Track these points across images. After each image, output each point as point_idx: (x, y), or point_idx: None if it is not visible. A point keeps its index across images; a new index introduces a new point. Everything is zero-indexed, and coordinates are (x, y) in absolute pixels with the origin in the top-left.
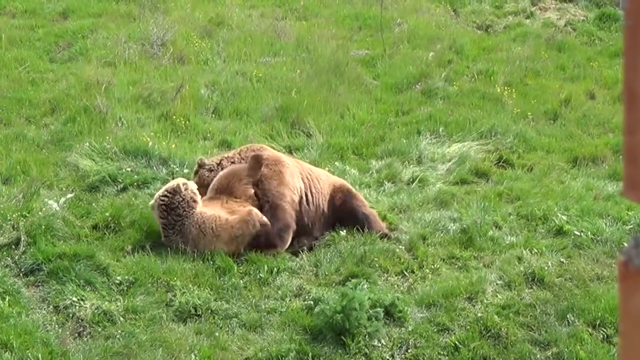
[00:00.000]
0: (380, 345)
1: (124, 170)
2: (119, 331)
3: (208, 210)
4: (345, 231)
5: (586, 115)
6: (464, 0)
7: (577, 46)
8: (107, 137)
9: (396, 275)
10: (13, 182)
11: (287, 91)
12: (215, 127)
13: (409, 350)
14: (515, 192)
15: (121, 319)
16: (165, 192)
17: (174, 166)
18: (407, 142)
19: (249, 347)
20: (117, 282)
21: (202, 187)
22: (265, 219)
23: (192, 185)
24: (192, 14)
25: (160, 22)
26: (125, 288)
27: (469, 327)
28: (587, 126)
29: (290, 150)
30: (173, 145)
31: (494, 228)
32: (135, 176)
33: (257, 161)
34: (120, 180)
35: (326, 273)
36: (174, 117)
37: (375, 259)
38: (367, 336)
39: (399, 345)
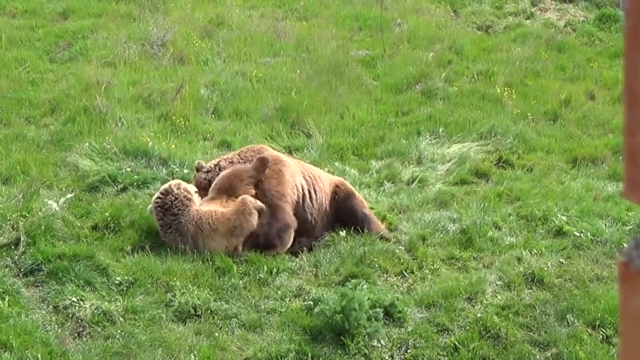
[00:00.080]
0: (379, 345)
1: (123, 170)
2: (119, 331)
3: (205, 207)
4: (345, 232)
5: (586, 116)
6: (464, 1)
7: (577, 47)
8: (107, 137)
9: (396, 276)
10: (13, 182)
11: (287, 91)
12: (215, 127)
13: (408, 351)
14: (515, 192)
15: (121, 319)
16: (159, 194)
17: (174, 166)
18: (407, 142)
19: (248, 348)
20: (117, 282)
21: (201, 190)
22: (260, 203)
23: (186, 185)
24: (192, 14)
25: (160, 22)
26: (125, 288)
27: (468, 327)
28: (587, 127)
29: (290, 151)
30: (173, 146)
31: (493, 228)
32: (135, 176)
33: (262, 163)
34: (120, 180)
35: (326, 273)
36: (174, 117)
37: (375, 259)
38: (366, 336)
39: (398, 345)
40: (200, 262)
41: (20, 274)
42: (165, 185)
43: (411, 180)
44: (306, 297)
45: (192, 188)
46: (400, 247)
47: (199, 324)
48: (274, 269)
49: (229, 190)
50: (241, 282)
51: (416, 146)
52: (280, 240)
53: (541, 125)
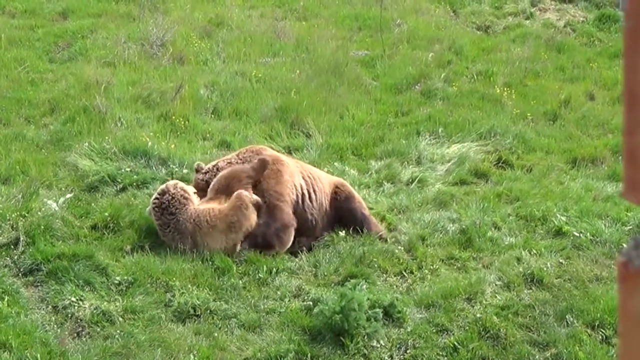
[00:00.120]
0: (379, 345)
1: (123, 170)
2: (118, 331)
3: (202, 206)
4: (344, 232)
5: (586, 116)
6: (463, 1)
7: (576, 47)
8: (107, 137)
9: (395, 276)
10: (12, 182)
11: (287, 91)
12: (215, 127)
13: (407, 351)
14: (515, 192)
15: (120, 319)
16: (156, 195)
17: (173, 166)
18: (407, 142)
19: (247, 348)
20: (116, 282)
21: (199, 191)
22: (255, 197)
23: (183, 185)
24: (191, 14)
25: (160, 22)
26: (124, 288)
27: (467, 327)
28: (587, 127)
29: (289, 151)
30: (172, 146)
31: (493, 229)
32: (135, 176)
33: (262, 164)
34: (119, 180)
35: (325, 273)
36: (174, 117)
37: (375, 259)
38: (366, 337)
39: (397, 345)
40: (200, 262)
41: (20, 274)
42: (162, 186)
43: (411, 180)
44: (305, 297)
45: (190, 189)
46: (399, 247)
47: (198, 324)
48: (274, 269)
49: (227, 191)
50: (240, 282)
51: (416, 146)
52: (278, 240)
53: (541, 125)
